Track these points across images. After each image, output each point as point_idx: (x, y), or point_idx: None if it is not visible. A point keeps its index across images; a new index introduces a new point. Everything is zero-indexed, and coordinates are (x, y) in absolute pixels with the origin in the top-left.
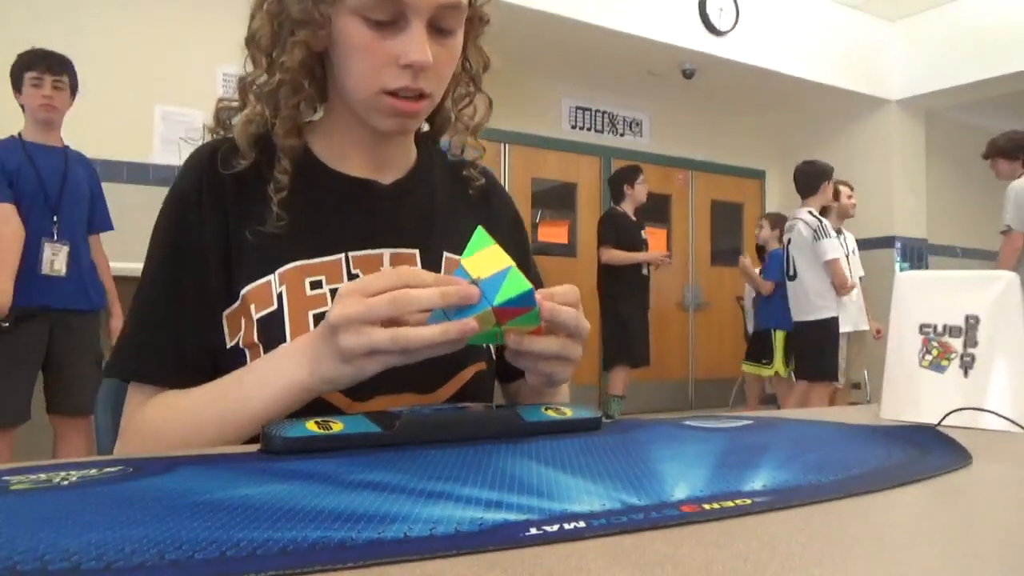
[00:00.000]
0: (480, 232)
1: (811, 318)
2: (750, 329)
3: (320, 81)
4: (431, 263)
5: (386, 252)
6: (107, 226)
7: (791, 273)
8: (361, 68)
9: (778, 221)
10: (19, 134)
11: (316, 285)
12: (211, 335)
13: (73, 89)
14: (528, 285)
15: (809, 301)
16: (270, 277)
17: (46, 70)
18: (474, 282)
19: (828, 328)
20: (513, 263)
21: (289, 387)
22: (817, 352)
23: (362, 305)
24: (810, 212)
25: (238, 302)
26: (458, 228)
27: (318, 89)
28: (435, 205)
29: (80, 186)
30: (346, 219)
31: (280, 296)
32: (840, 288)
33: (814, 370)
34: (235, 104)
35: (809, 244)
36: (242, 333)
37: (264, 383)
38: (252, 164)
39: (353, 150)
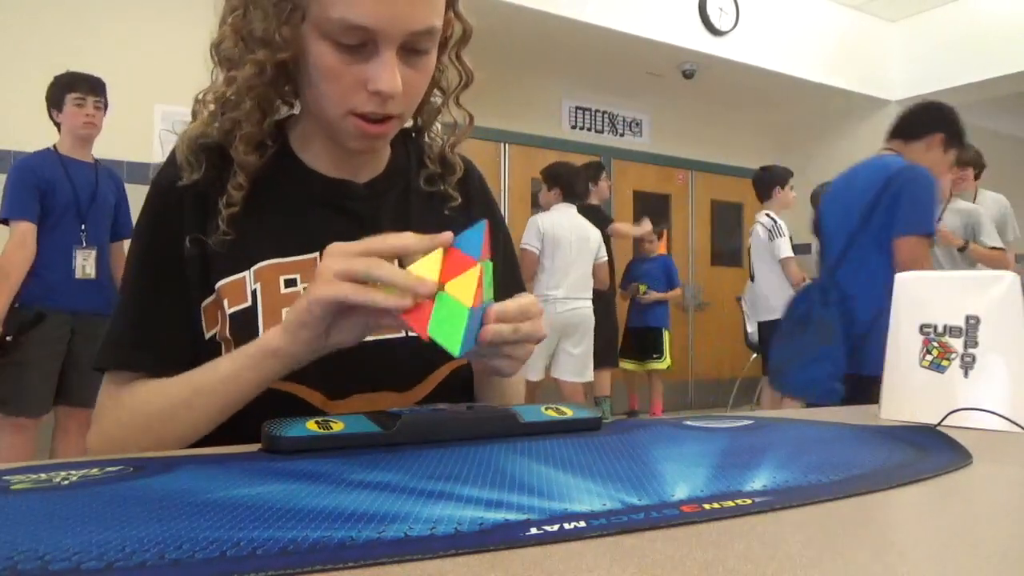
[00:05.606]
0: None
1: (770, 318)
2: (750, 329)
3: (289, 89)
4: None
5: None
6: (128, 233)
7: (752, 276)
8: (329, 90)
9: (661, 231)
10: (54, 147)
11: (290, 283)
12: (190, 325)
13: (105, 107)
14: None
15: (768, 301)
16: (245, 273)
17: (89, 91)
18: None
19: None
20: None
21: (260, 349)
22: None
23: (343, 261)
24: (766, 214)
25: (213, 295)
26: (435, 223)
27: (292, 93)
28: (410, 202)
29: (107, 198)
30: (322, 218)
31: (255, 293)
32: (795, 286)
33: None
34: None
35: (766, 245)
36: (219, 326)
37: (239, 351)
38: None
39: (327, 153)
